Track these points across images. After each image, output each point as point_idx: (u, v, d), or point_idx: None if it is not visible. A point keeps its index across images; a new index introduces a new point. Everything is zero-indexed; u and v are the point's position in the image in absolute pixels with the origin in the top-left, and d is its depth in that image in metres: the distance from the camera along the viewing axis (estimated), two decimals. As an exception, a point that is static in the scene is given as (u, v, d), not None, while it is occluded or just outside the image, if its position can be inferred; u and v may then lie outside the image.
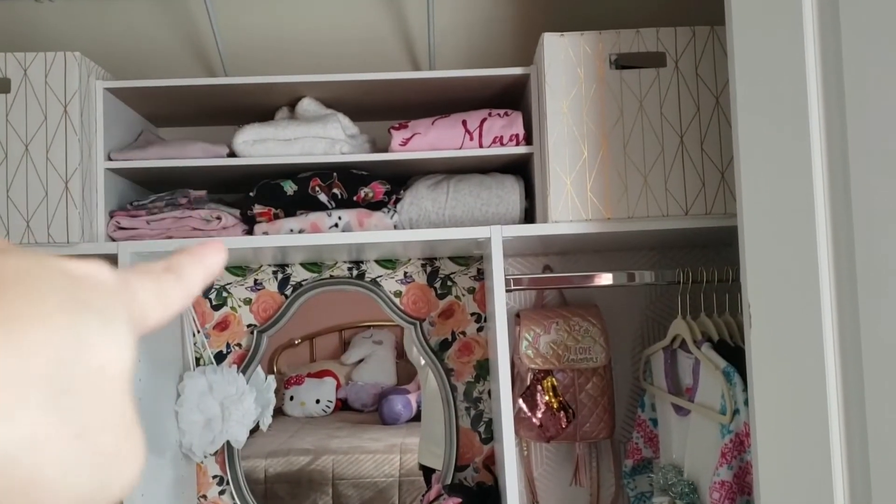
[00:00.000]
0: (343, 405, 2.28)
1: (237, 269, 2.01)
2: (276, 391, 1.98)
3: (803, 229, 0.98)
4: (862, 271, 0.88)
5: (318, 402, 2.24)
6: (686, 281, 1.66)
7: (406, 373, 2.24)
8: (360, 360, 2.28)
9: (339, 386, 2.27)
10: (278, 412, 2.07)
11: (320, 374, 2.25)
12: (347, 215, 1.70)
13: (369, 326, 2.26)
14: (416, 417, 2.18)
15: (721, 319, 1.60)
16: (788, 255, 1.03)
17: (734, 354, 1.47)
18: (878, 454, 0.85)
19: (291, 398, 2.23)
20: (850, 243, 0.90)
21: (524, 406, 1.82)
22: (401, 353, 2.23)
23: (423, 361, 2.06)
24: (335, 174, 1.68)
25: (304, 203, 1.69)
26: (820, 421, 0.95)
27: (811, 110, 0.97)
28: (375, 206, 1.71)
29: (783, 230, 1.04)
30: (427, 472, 2.06)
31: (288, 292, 2.01)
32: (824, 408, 0.94)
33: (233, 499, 1.97)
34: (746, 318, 1.15)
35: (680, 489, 1.53)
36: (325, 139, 1.68)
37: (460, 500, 1.75)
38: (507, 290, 1.67)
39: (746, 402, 1.35)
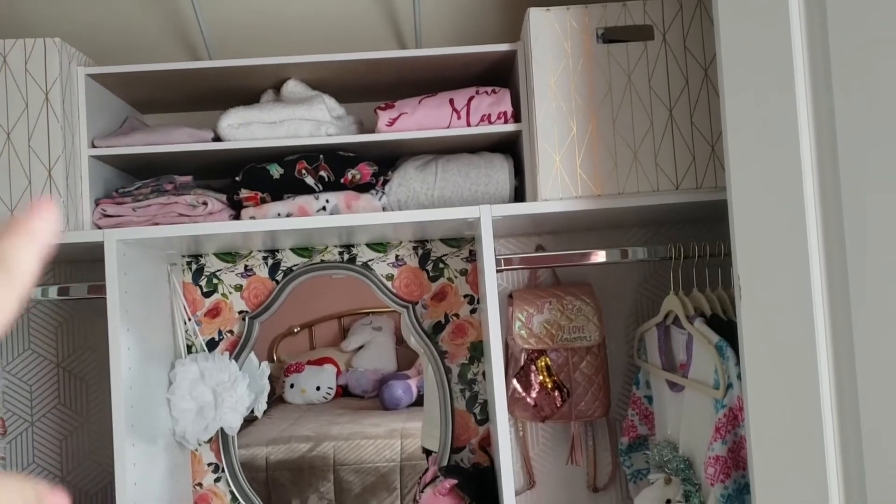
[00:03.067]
0: (343, 392, 2.28)
1: (227, 255, 2.00)
2: (277, 379, 1.98)
3: (792, 201, 0.96)
4: (851, 241, 0.86)
5: (318, 389, 2.24)
6: (678, 256, 1.64)
7: (406, 358, 2.24)
8: (360, 347, 2.27)
9: (339, 373, 2.27)
10: (279, 400, 2.06)
11: (320, 362, 2.25)
12: (335, 198, 1.68)
13: (368, 313, 2.26)
14: (417, 403, 2.18)
15: (714, 294, 1.59)
16: (777, 227, 1.01)
17: (727, 329, 1.46)
18: (869, 424, 0.84)
19: (292, 386, 2.22)
20: (839, 214, 0.88)
21: (518, 386, 1.81)
22: (400, 339, 2.22)
23: (415, 343, 2.06)
24: (322, 156, 1.66)
25: (290, 186, 1.67)
26: (811, 391, 0.94)
27: (797, 81, 0.96)
28: (363, 188, 1.69)
29: (772, 202, 1.03)
30: (429, 454, 2.06)
31: (279, 278, 2.00)
32: (815, 378, 0.93)
33: (228, 486, 1.96)
34: (737, 290, 1.14)
35: (675, 465, 1.52)
36: (311, 121, 1.66)
37: (456, 481, 1.75)
38: (498, 270, 1.66)
39: (739, 376, 1.34)
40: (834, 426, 0.92)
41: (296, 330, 2.21)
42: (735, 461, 1.37)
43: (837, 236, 0.89)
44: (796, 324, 0.97)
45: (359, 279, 2.00)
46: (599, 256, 1.72)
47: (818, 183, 0.94)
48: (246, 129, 1.64)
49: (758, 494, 1.10)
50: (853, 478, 0.89)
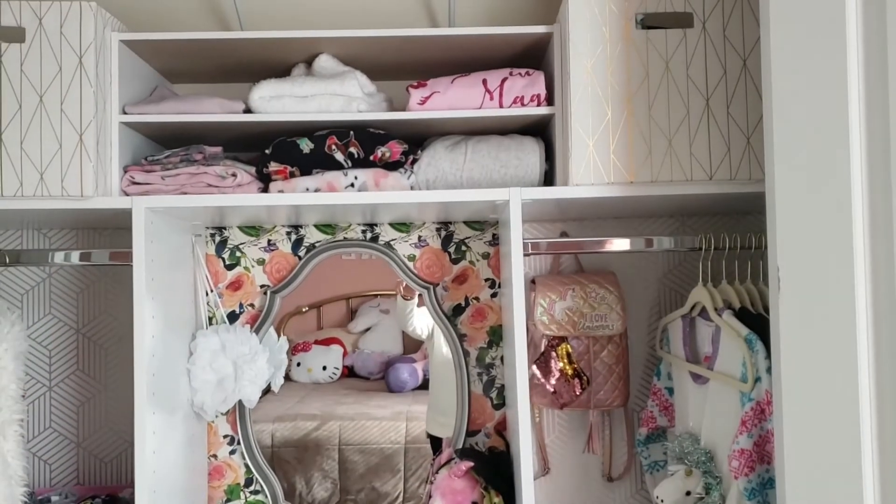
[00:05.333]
0: (349, 373, 2.28)
1: (251, 228, 1.99)
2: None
3: (838, 193, 0.95)
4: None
5: (324, 368, 2.24)
6: (708, 248, 1.63)
7: (412, 342, 2.24)
8: (367, 329, 2.27)
9: (345, 353, 2.27)
10: (285, 378, 2.06)
11: (327, 342, 2.25)
12: (364, 175, 1.67)
13: (377, 295, 2.25)
14: (423, 386, 2.18)
15: (742, 287, 1.58)
16: (822, 220, 1.00)
17: (756, 322, 1.45)
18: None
19: (299, 364, 2.23)
20: (889, 208, 0.87)
21: (538, 372, 1.81)
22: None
23: (424, 334, 2.06)
24: (352, 133, 1.65)
25: (320, 162, 1.66)
26: (850, 388, 0.92)
27: (850, 70, 0.94)
28: (392, 166, 1.68)
29: (816, 193, 1.01)
30: (434, 441, 2.05)
31: (301, 253, 1.99)
32: (854, 376, 0.92)
33: (243, 459, 1.96)
34: (774, 282, 1.12)
35: (696, 457, 1.52)
36: (343, 97, 1.65)
37: (472, 463, 1.74)
38: (525, 255, 1.65)
39: (769, 370, 1.33)
40: (872, 424, 0.91)
41: (304, 309, 2.21)
42: (760, 455, 1.36)
43: (885, 231, 0.88)
44: (837, 319, 0.95)
45: (374, 261, 2.00)
46: (627, 244, 1.70)
47: (867, 176, 0.92)
48: (277, 101, 1.63)
49: (788, 490, 1.09)
50: (890, 476, 0.88)
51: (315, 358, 2.24)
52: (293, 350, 2.23)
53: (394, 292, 2.07)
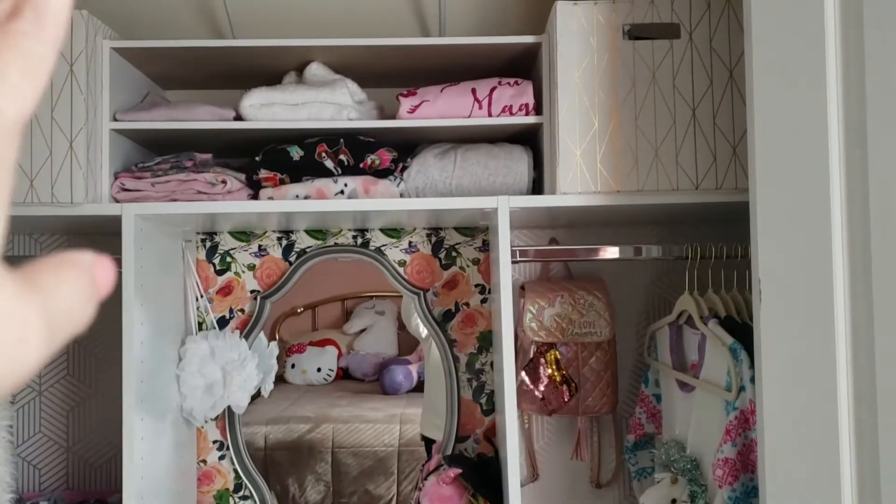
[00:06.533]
0: (344, 374, 2.28)
1: (241, 234, 2.00)
2: (278, 359, 1.99)
3: (818, 205, 0.96)
4: (877, 249, 0.86)
5: (319, 370, 2.24)
6: (694, 256, 1.64)
7: (407, 343, 2.24)
8: (362, 330, 2.28)
9: (340, 355, 2.27)
10: (279, 379, 2.07)
11: (322, 343, 2.26)
12: (353, 182, 1.68)
13: (372, 297, 2.26)
14: (417, 388, 2.18)
15: (728, 296, 1.59)
16: (802, 231, 1.01)
17: (741, 331, 1.46)
18: (888, 434, 0.84)
19: (293, 366, 2.23)
20: (866, 220, 0.88)
21: (527, 379, 1.82)
22: (402, 324, 2.22)
23: (424, 333, 2.06)
24: (342, 140, 1.66)
25: (310, 169, 1.67)
26: (828, 398, 0.94)
27: (829, 83, 0.95)
28: (382, 173, 1.69)
29: (797, 205, 1.03)
30: (428, 443, 2.06)
31: (292, 259, 2.00)
32: (833, 385, 0.93)
33: (233, 464, 1.97)
34: (756, 293, 1.13)
35: (682, 465, 1.53)
36: (333, 105, 1.66)
37: (460, 470, 1.75)
38: (513, 262, 1.66)
39: (752, 380, 1.34)
40: (850, 434, 0.92)
41: (299, 310, 2.22)
42: (744, 464, 1.37)
43: (863, 243, 0.89)
44: (817, 330, 0.97)
45: (367, 263, 2.00)
46: (616, 252, 1.72)
47: (846, 188, 0.93)
48: (268, 109, 1.64)
49: (769, 499, 1.10)
50: (867, 487, 0.89)
51: (310, 360, 2.25)
52: (288, 351, 2.24)
53: (389, 294, 2.08)
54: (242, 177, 1.69)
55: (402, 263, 2.01)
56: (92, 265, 0.30)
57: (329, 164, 1.66)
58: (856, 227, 0.91)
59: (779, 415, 1.09)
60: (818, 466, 0.97)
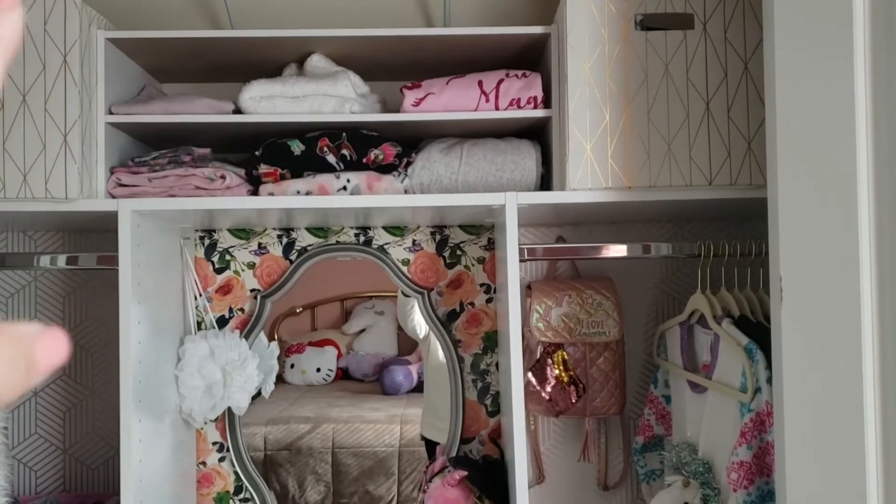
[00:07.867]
0: (344, 374, 2.26)
1: (241, 231, 1.95)
2: (277, 359, 1.95)
3: (844, 200, 0.92)
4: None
5: (318, 370, 2.21)
6: (707, 254, 1.60)
7: (407, 344, 2.21)
8: (362, 331, 2.25)
9: (339, 355, 2.24)
10: (278, 380, 2.04)
11: (321, 343, 2.23)
12: (356, 178, 1.63)
13: (371, 297, 2.23)
14: (417, 388, 2.15)
15: (742, 294, 1.54)
16: (827, 228, 0.96)
17: (756, 331, 1.41)
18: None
19: (292, 366, 2.20)
20: (894, 214, 0.84)
21: (533, 380, 1.77)
22: (402, 324, 2.19)
23: (421, 334, 2.02)
24: (344, 134, 1.62)
25: (311, 164, 1.62)
26: (854, 402, 0.89)
27: (857, 73, 0.91)
28: (385, 168, 1.65)
29: (821, 201, 0.98)
30: (429, 444, 2.02)
31: (293, 257, 1.95)
32: (860, 387, 0.89)
33: (233, 466, 1.93)
34: (776, 292, 1.09)
35: (694, 468, 1.48)
36: (335, 97, 1.61)
37: (466, 472, 1.71)
38: (522, 261, 1.61)
39: (769, 381, 1.30)
40: (877, 438, 0.88)
41: (298, 310, 2.19)
42: (759, 467, 1.33)
43: (892, 239, 0.85)
44: (842, 330, 0.92)
45: (370, 262, 1.96)
46: (623, 251, 1.68)
47: (874, 183, 0.89)
48: (268, 102, 1.60)
49: (790, 505, 1.06)
50: (894, 491, 0.85)
51: (309, 360, 2.22)
52: (287, 351, 2.21)
53: (389, 294, 2.04)
54: (242, 172, 1.65)
55: (406, 262, 1.96)
56: (34, 339, 0.29)
57: (331, 158, 1.62)
58: (884, 224, 0.87)
59: (800, 417, 1.05)
60: (842, 473, 0.93)
